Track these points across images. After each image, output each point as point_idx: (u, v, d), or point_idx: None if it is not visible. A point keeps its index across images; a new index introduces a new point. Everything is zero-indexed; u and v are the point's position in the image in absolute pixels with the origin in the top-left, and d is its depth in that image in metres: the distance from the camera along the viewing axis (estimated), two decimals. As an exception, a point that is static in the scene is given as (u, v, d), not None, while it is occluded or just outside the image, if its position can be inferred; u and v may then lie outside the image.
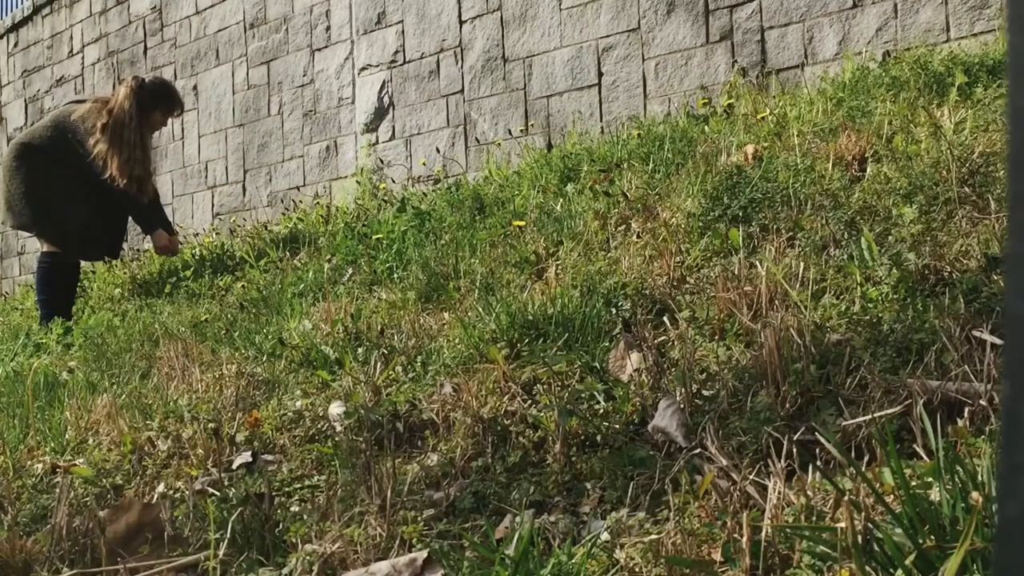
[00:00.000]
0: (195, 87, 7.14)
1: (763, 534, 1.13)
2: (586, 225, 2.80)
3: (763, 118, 3.44)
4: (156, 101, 4.71)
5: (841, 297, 1.86)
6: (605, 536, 1.31)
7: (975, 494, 1.04)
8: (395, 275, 3.10)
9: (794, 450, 1.40)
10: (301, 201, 5.93)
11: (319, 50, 6.26)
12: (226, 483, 1.73)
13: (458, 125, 5.39)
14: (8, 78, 9.37)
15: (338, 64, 6.10)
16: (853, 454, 1.40)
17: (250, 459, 1.84)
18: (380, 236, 3.78)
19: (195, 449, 1.90)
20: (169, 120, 5.07)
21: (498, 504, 1.50)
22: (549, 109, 4.97)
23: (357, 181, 5.71)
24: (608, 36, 4.72)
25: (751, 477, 1.34)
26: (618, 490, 1.46)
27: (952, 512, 1.03)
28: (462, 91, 5.36)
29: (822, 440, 1.39)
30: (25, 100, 9.03)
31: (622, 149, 3.74)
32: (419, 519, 1.46)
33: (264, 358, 2.60)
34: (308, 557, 1.37)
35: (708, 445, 1.48)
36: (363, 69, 5.91)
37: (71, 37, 8.39)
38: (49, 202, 4.66)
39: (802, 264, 1.97)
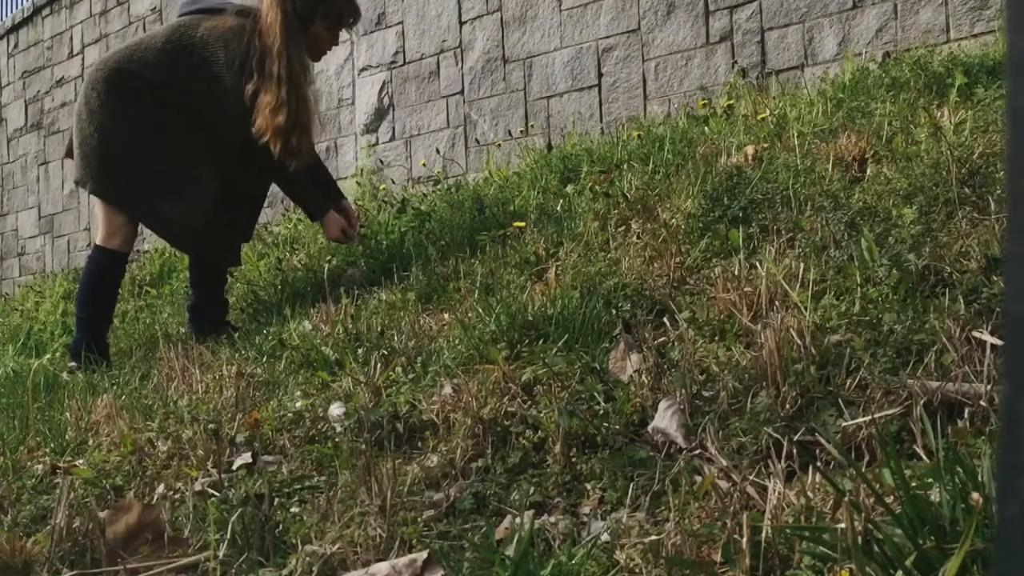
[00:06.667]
0: (195, 88, 7.14)
1: (763, 535, 1.13)
2: (586, 226, 2.80)
3: (763, 119, 3.44)
4: (314, 5, 3.24)
5: (841, 298, 1.86)
6: (605, 537, 1.31)
7: (975, 494, 1.04)
8: (395, 276, 3.10)
9: (794, 451, 1.40)
10: (301, 202, 5.92)
11: (319, 51, 6.26)
12: (226, 484, 1.73)
13: (458, 126, 5.39)
14: (8, 79, 9.37)
15: (338, 65, 6.11)
16: (853, 455, 1.40)
17: (250, 460, 1.84)
18: (380, 237, 3.78)
19: (195, 450, 1.90)
20: (340, 35, 3.42)
21: (498, 505, 1.50)
22: (549, 110, 4.98)
23: (357, 182, 5.71)
24: (608, 37, 4.72)
25: (751, 478, 1.34)
26: (618, 491, 1.46)
27: (952, 513, 1.03)
28: (462, 92, 5.37)
29: (822, 441, 1.40)
30: (25, 101, 9.03)
31: (622, 150, 3.74)
32: (419, 520, 1.46)
33: (264, 359, 2.60)
34: (308, 558, 1.37)
35: (708, 446, 1.48)
36: (363, 70, 5.92)
37: (71, 38, 8.39)
38: (155, 163, 3.18)
39: (802, 265, 1.97)
